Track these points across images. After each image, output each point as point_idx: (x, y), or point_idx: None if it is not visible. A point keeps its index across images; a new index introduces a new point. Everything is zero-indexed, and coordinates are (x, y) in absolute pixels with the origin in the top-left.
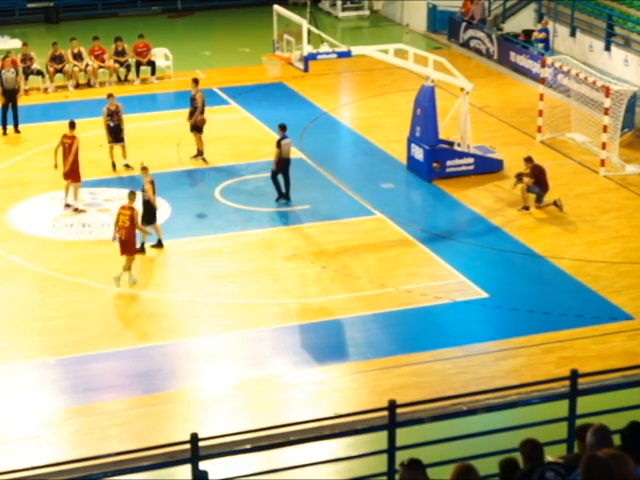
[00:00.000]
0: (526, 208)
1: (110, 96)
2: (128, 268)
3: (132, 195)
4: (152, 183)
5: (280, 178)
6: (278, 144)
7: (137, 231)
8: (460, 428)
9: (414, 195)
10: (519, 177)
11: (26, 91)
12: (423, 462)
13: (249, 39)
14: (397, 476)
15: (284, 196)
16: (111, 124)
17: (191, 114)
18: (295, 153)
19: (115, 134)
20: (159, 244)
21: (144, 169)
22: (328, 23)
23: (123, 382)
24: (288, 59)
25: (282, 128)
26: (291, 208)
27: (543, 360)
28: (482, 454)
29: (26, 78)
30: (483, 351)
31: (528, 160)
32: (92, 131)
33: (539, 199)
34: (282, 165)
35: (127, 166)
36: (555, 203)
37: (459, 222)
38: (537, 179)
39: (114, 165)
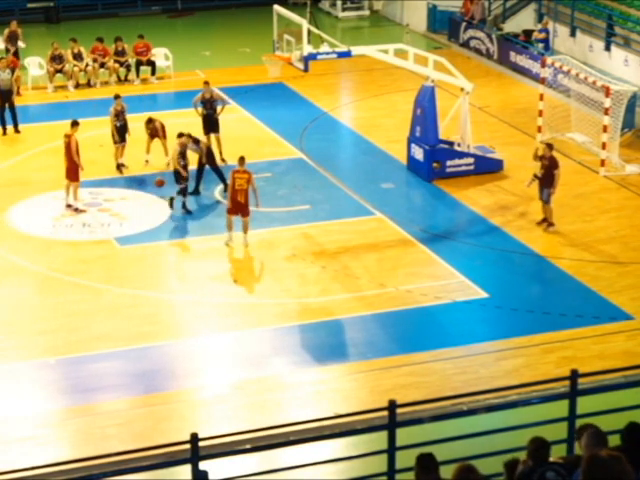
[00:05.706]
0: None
1: (117, 97)
2: (247, 229)
3: (242, 160)
4: None
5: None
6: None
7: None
8: (460, 428)
9: (414, 195)
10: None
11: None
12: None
13: (249, 39)
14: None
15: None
16: (117, 124)
17: (207, 117)
18: (295, 153)
19: (122, 135)
20: None
21: None
22: (328, 23)
23: (123, 382)
24: (288, 59)
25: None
26: (291, 208)
27: (543, 360)
28: (482, 454)
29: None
30: (483, 351)
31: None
32: (92, 131)
33: (548, 199)
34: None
35: (122, 165)
36: (549, 223)
37: (459, 222)
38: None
39: (118, 166)
